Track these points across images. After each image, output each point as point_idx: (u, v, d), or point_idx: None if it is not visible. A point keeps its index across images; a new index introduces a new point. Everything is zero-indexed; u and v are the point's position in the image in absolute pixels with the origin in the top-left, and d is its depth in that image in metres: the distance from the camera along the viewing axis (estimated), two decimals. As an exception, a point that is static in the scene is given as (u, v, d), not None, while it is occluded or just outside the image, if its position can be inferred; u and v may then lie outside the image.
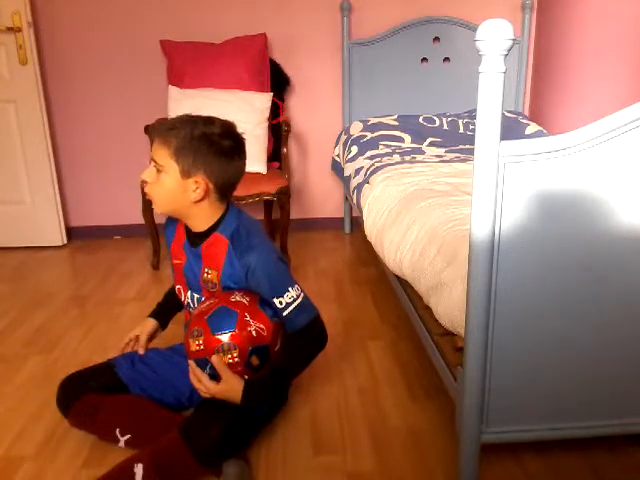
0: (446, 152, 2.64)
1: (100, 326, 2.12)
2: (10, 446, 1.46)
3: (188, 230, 1.46)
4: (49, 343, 1.99)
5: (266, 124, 2.65)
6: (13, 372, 1.80)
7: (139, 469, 1.23)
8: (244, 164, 1.40)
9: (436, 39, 2.97)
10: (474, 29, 2.74)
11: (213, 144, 1.31)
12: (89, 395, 1.43)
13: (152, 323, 1.61)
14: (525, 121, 2.83)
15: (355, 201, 2.42)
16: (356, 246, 2.99)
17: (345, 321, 2.11)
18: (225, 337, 1.30)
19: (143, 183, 1.38)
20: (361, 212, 2.24)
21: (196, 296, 1.48)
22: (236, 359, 1.30)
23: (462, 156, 2.54)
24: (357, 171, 2.52)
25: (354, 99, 3.00)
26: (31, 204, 2.95)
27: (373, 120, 2.85)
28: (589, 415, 1.21)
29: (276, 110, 2.82)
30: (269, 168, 2.69)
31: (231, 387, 1.31)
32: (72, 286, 2.55)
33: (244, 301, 1.34)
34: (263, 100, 2.64)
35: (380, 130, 2.78)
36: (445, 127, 2.82)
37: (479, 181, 1.02)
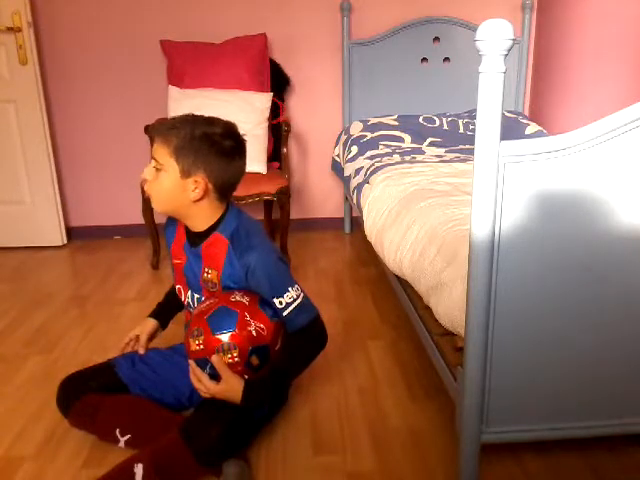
0: (446, 152, 2.64)
1: (100, 326, 2.12)
2: (10, 446, 1.46)
3: (188, 230, 1.46)
4: (49, 343, 1.99)
5: (266, 124, 2.65)
6: (13, 372, 1.80)
7: (139, 469, 1.23)
8: (244, 165, 1.40)
9: (436, 39, 2.97)
10: (474, 29, 2.74)
11: (214, 144, 1.31)
12: (89, 395, 1.43)
13: (152, 323, 1.61)
14: (525, 121, 2.83)
15: (355, 201, 2.42)
16: (356, 246, 2.99)
17: (345, 321, 2.11)
18: (225, 337, 1.30)
19: (143, 181, 1.38)
20: (361, 212, 2.24)
21: (196, 296, 1.48)
22: (236, 359, 1.30)
23: (462, 156, 2.54)
24: (357, 171, 2.52)
25: (354, 99, 3.00)
26: (31, 204, 2.95)
27: (373, 120, 2.85)
28: (589, 415, 1.21)
29: (276, 110, 2.82)
30: (269, 168, 2.69)
31: (231, 387, 1.31)
32: (72, 286, 2.55)
33: (244, 301, 1.34)
34: (263, 100, 2.64)
35: (380, 130, 2.78)
36: (445, 127, 2.82)
37: (479, 181, 1.02)
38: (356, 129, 2.84)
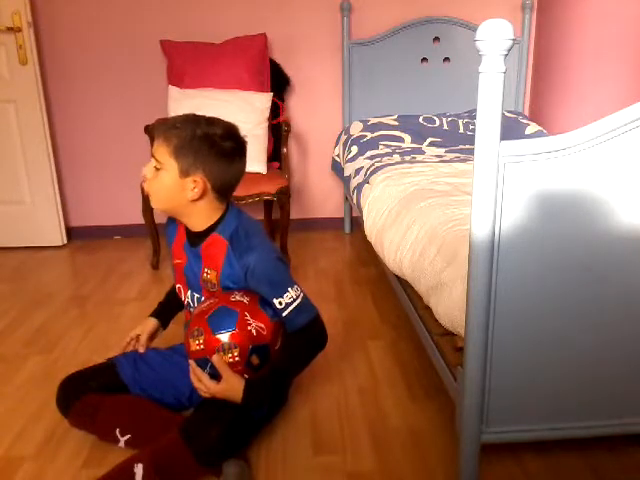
0: (446, 152, 2.64)
1: (100, 326, 2.12)
2: (10, 446, 1.46)
3: (188, 230, 1.46)
4: (49, 343, 1.99)
5: (266, 124, 2.65)
6: (13, 372, 1.80)
7: (139, 469, 1.23)
8: (244, 166, 1.40)
9: (436, 39, 2.97)
10: (474, 29, 2.75)
11: (214, 145, 1.31)
12: (89, 395, 1.43)
13: (153, 322, 1.61)
14: (525, 121, 2.83)
15: (355, 201, 2.42)
16: (356, 246, 2.99)
17: (345, 321, 2.11)
18: (225, 336, 1.30)
19: (143, 179, 1.39)
20: (361, 212, 2.24)
21: (196, 296, 1.49)
22: (236, 358, 1.30)
23: (462, 156, 2.54)
24: (357, 171, 2.52)
25: (354, 99, 3.00)
26: (31, 204, 2.95)
27: (373, 120, 2.85)
28: (589, 415, 1.21)
29: (276, 110, 2.82)
30: (269, 168, 2.69)
31: (232, 386, 1.31)
32: (72, 286, 2.55)
33: (244, 300, 1.34)
34: (263, 100, 2.64)
35: (380, 130, 2.78)
36: (445, 127, 2.82)
37: (479, 181, 1.02)
38: (356, 129, 2.84)
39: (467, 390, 1.15)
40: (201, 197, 1.35)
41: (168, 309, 1.66)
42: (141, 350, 1.56)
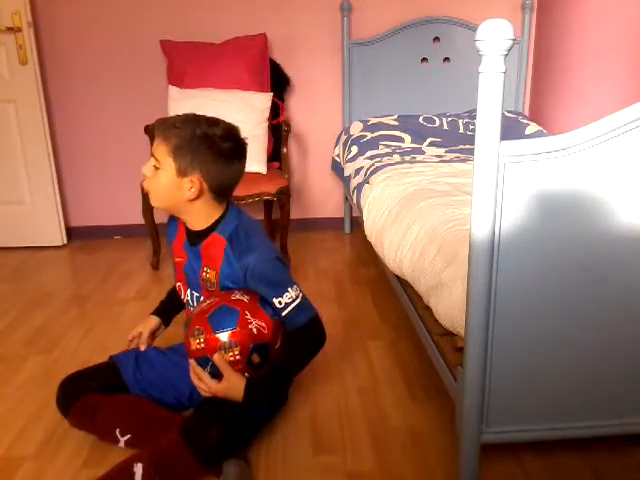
0: (446, 152, 2.64)
1: (100, 326, 2.12)
2: (10, 446, 1.46)
3: (188, 229, 1.46)
4: (49, 343, 1.99)
5: (266, 124, 2.65)
6: (13, 372, 1.80)
7: (139, 469, 1.23)
8: (243, 168, 1.40)
9: (436, 39, 2.97)
10: (474, 29, 2.74)
11: (213, 145, 1.31)
12: (89, 395, 1.43)
13: (155, 320, 1.62)
14: (525, 121, 2.83)
15: (355, 201, 2.42)
16: (356, 246, 2.99)
17: (345, 321, 2.11)
18: (226, 335, 1.30)
19: (143, 177, 1.39)
20: (361, 212, 2.24)
21: (195, 294, 1.49)
22: (237, 357, 1.31)
23: (462, 156, 2.54)
24: (357, 171, 2.52)
25: (354, 99, 3.00)
26: (31, 204, 2.95)
27: (373, 120, 2.85)
28: (589, 415, 1.21)
29: (276, 110, 2.82)
30: (269, 168, 2.69)
31: (233, 385, 1.31)
32: (72, 286, 2.55)
33: (245, 299, 1.34)
34: (263, 100, 2.64)
35: (380, 130, 2.78)
36: (445, 127, 2.82)
37: (479, 181, 1.02)
38: (356, 129, 2.84)
39: (467, 390, 1.15)
40: (198, 197, 1.35)
41: (170, 307, 1.66)
42: (142, 348, 1.56)
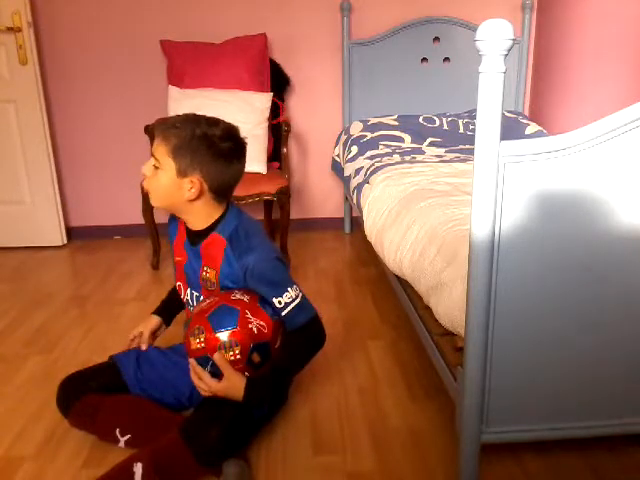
0: (446, 152, 2.64)
1: (100, 326, 2.12)
2: (10, 446, 1.46)
3: (188, 229, 1.46)
4: (49, 343, 1.99)
5: (266, 124, 2.65)
6: (13, 372, 1.80)
7: (138, 468, 1.22)
8: (243, 167, 1.40)
9: (436, 39, 2.97)
10: (474, 29, 2.74)
11: (212, 145, 1.31)
12: (89, 395, 1.43)
13: (156, 320, 1.62)
14: (525, 121, 2.83)
15: (355, 201, 2.42)
16: (356, 246, 2.99)
17: (345, 321, 2.11)
18: (227, 334, 1.30)
19: (143, 177, 1.39)
20: (361, 212, 2.24)
21: (195, 294, 1.49)
22: (238, 356, 1.31)
23: (462, 156, 2.54)
24: (357, 171, 2.52)
25: (354, 99, 3.00)
26: (31, 204, 2.95)
27: (373, 120, 2.85)
28: (589, 415, 1.21)
29: (276, 110, 2.82)
30: (269, 168, 2.69)
31: (233, 384, 1.31)
32: (72, 286, 2.55)
33: (245, 299, 1.35)
34: (263, 100, 2.64)
35: (380, 130, 2.78)
36: (445, 127, 2.82)
37: (479, 181, 1.02)
38: (356, 129, 2.84)
39: (467, 390, 1.15)
40: (198, 197, 1.36)
41: (171, 307, 1.66)
42: (143, 347, 1.56)
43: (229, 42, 2.77)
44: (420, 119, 2.85)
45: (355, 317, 2.15)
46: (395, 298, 2.12)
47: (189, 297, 1.51)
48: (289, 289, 1.38)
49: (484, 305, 1.08)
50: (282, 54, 2.96)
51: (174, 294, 1.64)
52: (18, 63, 2.74)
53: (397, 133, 2.77)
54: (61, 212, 3.00)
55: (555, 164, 1.02)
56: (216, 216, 1.41)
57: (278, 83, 2.89)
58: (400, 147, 2.69)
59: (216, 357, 1.30)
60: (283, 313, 1.37)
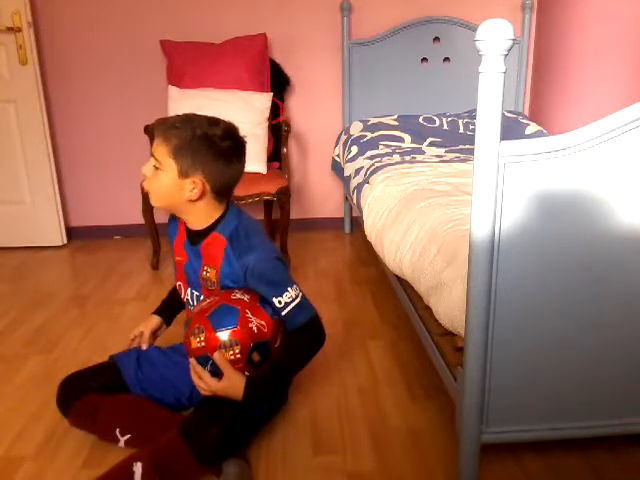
0: (446, 152, 2.64)
1: (100, 326, 2.12)
2: (10, 446, 1.46)
3: (188, 228, 1.46)
4: (49, 343, 1.99)
5: (266, 124, 2.65)
6: (13, 372, 1.80)
7: (138, 468, 1.22)
8: (243, 167, 1.40)
9: (436, 39, 2.97)
10: (474, 29, 2.74)
11: (213, 145, 1.31)
12: (89, 395, 1.43)
13: (156, 320, 1.62)
14: (525, 121, 2.83)
15: (355, 201, 2.42)
16: (356, 246, 2.99)
17: (345, 321, 2.11)
18: (227, 334, 1.30)
19: (143, 178, 1.39)
20: (361, 212, 2.24)
21: (195, 294, 1.49)
22: (238, 355, 1.31)
23: (462, 156, 2.54)
24: (357, 171, 2.52)
25: (354, 99, 3.00)
26: (31, 204, 2.95)
27: (373, 120, 2.85)
28: (589, 415, 1.21)
29: (276, 110, 2.82)
30: (269, 168, 2.69)
31: (233, 384, 1.31)
32: (72, 286, 2.55)
33: (245, 298, 1.35)
34: (263, 100, 2.64)
35: (380, 130, 2.78)
36: (445, 127, 2.82)
37: (479, 181, 1.02)
38: (356, 129, 2.84)
39: (467, 390, 1.15)
40: (200, 198, 1.36)
41: (171, 307, 1.66)
42: (144, 347, 1.56)
43: (229, 42, 2.77)
44: (420, 119, 2.85)
45: (355, 317, 2.15)
46: (395, 298, 2.12)
47: (189, 297, 1.51)
48: (289, 289, 1.38)
49: (484, 305, 1.08)
50: (282, 54, 2.96)
51: (174, 294, 1.64)
52: (18, 63, 2.74)
53: (397, 133, 2.77)
54: (61, 212, 3.00)
55: (555, 164, 1.02)
56: (216, 216, 1.41)
57: (278, 83, 2.89)
58: (400, 147, 2.69)
59: (216, 356, 1.30)
60: (283, 313, 1.37)
